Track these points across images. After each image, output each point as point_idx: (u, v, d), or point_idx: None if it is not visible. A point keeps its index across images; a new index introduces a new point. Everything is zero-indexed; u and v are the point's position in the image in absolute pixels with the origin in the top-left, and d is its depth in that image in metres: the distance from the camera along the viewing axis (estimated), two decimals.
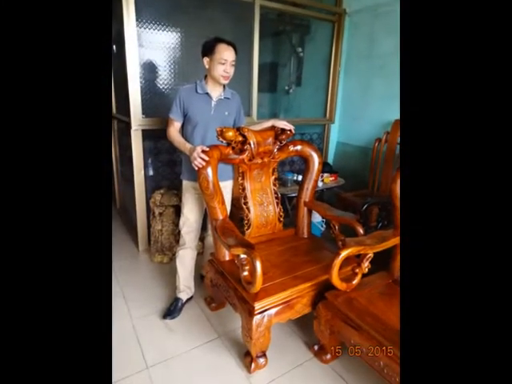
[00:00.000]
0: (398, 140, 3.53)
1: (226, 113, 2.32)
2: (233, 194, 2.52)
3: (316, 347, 2.13)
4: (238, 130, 2.19)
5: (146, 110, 3.07)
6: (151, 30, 2.98)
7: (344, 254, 1.79)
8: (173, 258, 3.11)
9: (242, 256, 1.86)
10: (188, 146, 2.15)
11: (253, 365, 1.96)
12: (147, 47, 3.01)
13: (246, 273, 1.89)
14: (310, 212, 2.58)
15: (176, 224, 3.13)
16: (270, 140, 2.31)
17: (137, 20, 2.83)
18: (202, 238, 2.76)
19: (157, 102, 3.15)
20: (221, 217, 2.08)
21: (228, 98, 2.33)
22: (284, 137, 2.34)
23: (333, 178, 3.83)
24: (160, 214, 3.12)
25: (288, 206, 3.67)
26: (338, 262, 1.80)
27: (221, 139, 2.11)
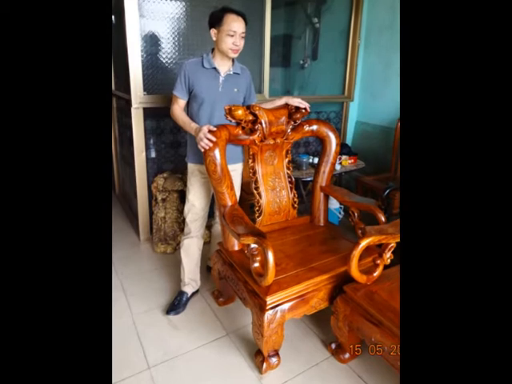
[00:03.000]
0: None
1: (235, 89, 2.29)
2: (243, 179, 2.50)
3: (333, 345, 2.12)
4: (249, 108, 2.15)
5: (148, 87, 3.04)
6: None
7: (364, 243, 1.76)
8: (177, 248, 3.14)
9: (253, 246, 1.84)
10: (193, 125, 2.13)
11: (264, 365, 1.95)
12: (149, 18, 2.97)
13: (256, 264, 1.87)
14: (326, 198, 2.55)
15: (180, 211, 3.13)
16: (284, 119, 2.27)
17: None
18: (208, 226, 2.75)
19: (160, 78, 3.12)
20: (229, 203, 2.05)
21: (237, 74, 2.30)
22: (298, 116, 2.31)
23: (352, 161, 3.78)
24: (163, 199, 3.10)
25: (303, 191, 3.64)
26: (357, 252, 1.77)
27: (229, 118, 2.08)
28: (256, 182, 2.33)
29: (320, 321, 2.35)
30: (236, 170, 2.37)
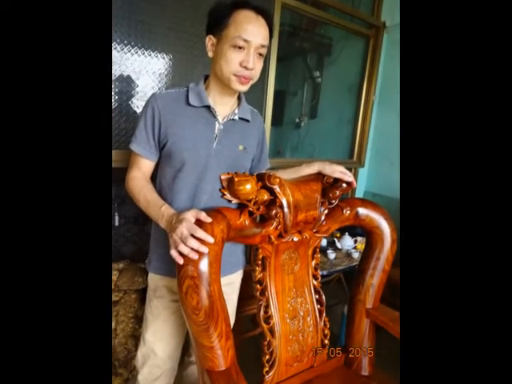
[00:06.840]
0: None
1: (241, 147, 1.29)
2: None
3: None
4: (262, 179, 1.19)
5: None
6: None
7: None
8: (129, 380, 1.99)
9: None
10: (165, 209, 1.14)
11: None
12: None
13: None
14: (374, 327, 1.54)
15: (140, 318, 2.03)
16: (317, 199, 1.31)
17: None
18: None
19: (125, 126, 2.10)
20: (222, 365, 1.03)
21: (246, 120, 1.32)
22: (338, 193, 1.36)
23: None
24: (115, 302, 2.02)
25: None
26: None
27: (229, 197, 1.13)
28: (267, 307, 1.29)
29: None
30: (233, 284, 1.38)
